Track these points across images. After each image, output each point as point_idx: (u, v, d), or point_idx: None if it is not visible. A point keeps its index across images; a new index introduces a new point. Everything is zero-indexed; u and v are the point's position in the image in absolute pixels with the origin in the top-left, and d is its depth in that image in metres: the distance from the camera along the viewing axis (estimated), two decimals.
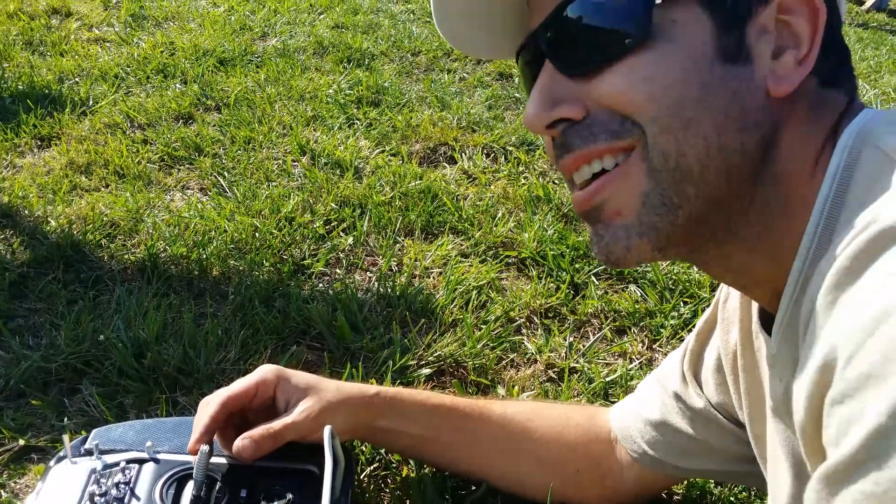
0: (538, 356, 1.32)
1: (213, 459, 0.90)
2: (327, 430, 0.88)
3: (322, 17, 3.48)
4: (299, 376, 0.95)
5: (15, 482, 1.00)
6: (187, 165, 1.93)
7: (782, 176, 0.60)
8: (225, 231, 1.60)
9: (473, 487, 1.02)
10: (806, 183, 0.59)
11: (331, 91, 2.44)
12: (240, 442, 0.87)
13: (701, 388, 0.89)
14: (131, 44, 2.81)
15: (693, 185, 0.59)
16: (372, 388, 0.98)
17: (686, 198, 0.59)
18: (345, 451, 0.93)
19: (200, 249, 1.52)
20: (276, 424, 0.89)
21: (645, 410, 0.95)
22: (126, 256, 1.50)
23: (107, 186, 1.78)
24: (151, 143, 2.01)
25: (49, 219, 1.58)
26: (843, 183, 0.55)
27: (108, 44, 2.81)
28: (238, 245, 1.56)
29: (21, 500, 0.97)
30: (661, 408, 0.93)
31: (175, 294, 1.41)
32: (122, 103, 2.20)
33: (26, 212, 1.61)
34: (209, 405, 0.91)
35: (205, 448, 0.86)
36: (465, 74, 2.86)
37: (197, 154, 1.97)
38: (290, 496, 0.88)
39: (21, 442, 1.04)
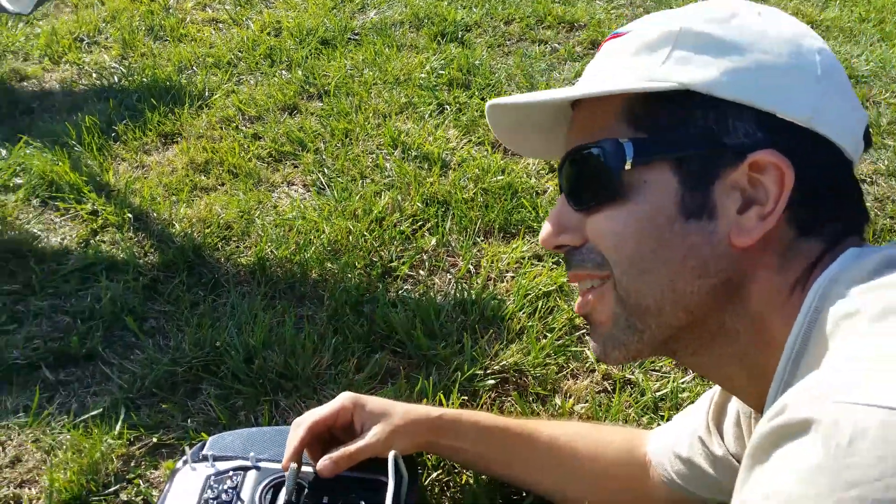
0: (596, 366, 1.46)
1: (304, 468, 1.11)
2: (391, 454, 1.06)
3: None
4: (373, 402, 1.13)
5: (150, 473, 1.24)
6: (292, 161, 2.12)
7: (755, 314, 0.70)
8: (323, 233, 1.78)
9: (524, 494, 1.19)
10: (778, 325, 0.68)
11: (423, 74, 2.56)
12: (322, 462, 1.07)
13: (722, 438, 1.00)
14: (241, 24, 3.01)
15: (652, 318, 0.71)
16: (435, 411, 1.15)
17: (647, 325, 0.72)
18: (411, 463, 1.12)
19: (302, 252, 1.72)
20: (352, 447, 1.08)
21: (676, 445, 1.08)
22: (239, 259, 1.72)
23: (222, 185, 2.00)
24: (261, 139, 2.21)
25: (174, 222, 1.82)
26: (806, 336, 0.64)
27: (220, 25, 3.02)
28: (334, 247, 1.75)
29: (153, 489, 1.21)
30: (688, 447, 1.05)
31: (279, 297, 1.61)
32: (234, 96, 2.40)
33: (155, 214, 1.85)
34: (300, 427, 1.10)
35: (294, 466, 1.07)
36: (556, 45, 2.91)
37: (301, 149, 2.16)
38: (362, 503, 1.07)
39: (154, 439, 1.29)
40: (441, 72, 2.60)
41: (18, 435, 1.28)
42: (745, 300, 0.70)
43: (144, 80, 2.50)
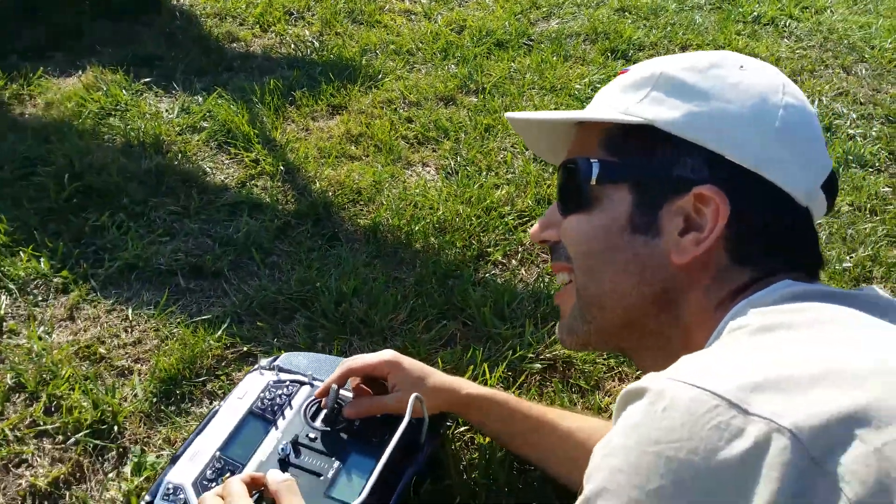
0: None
1: (345, 393, 1.30)
2: (413, 396, 1.22)
3: None
4: (410, 365, 1.29)
5: (234, 373, 1.50)
6: (433, 146, 2.33)
7: (685, 324, 0.81)
8: (437, 211, 1.98)
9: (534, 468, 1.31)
10: (701, 337, 0.79)
11: (579, 86, 2.68)
12: (351, 405, 1.26)
13: None
14: (431, 18, 3.27)
15: (598, 310, 0.84)
16: (465, 388, 1.28)
17: (594, 316, 0.85)
18: (440, 416, 1.28)
19: (412, 225, 1.92)
20: (375, 402, 1.26)
21: None
22: (358, 220, 1.95)
23: (366, 156, 2.25)
24: (412, 122, 2.44)
25: (316, 179, 2.09)
26: (711, 345, 0.75)
27: (413, 16, 3.30)
28: (442, 225, 1.94)
29: (233, 386, 1.46)
30: None
31: (381, 258, 1.83)
32: (402, 81, 2.66)
33: (303, 170, 2.13)
34: (342, 366, 1.30)
35: (335, 387, 1.26)
36: None
37: (443, 136, 2.36)
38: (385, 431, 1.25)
39: (245, 348, 1.54)
40: (598, 85, 2.70)
41: (145, 322, 1.59)
42: (678, 311, 0.81)
43: (332, 56, 2.82)
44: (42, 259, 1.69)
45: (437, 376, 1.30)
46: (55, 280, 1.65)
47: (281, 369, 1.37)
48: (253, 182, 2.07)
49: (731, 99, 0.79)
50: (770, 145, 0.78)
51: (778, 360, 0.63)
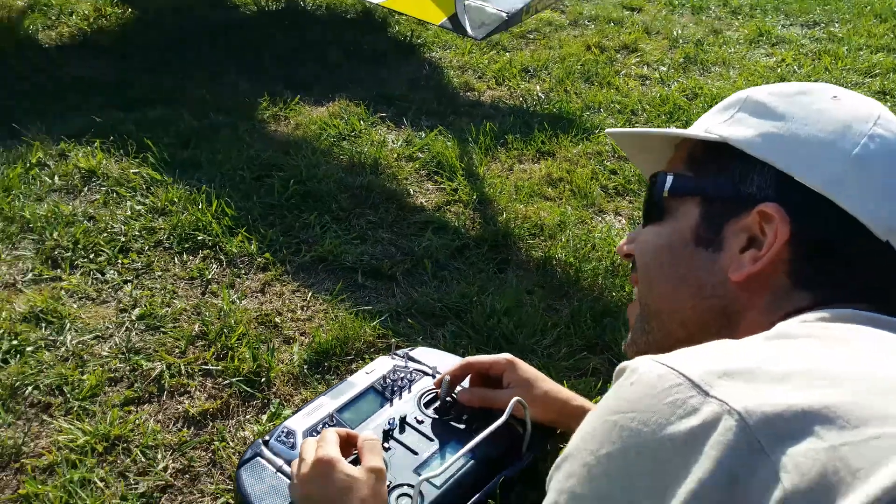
0: None
1: (460, 388, 1.37)
2: (514, 399, 1.26)
3: (870, 79, 3.41)
4: (525, 369, 1.33)
5: (375, 358, 1.62)
6: (631, 198, 2.35)
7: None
8: (609, 255, 1.99)
9: None
10: None
11: None
12: (462, 389, 1.32)
13: None
14: (666, 84, 3.29)
15: (656, 322, 0.85)
16: (577, 400, 1.30)
17: (652, 328, 0.86)
18: (548, 430, 1.30)
19: (585, 263, 1.95)
20: (488, 394, 1.31)
21: None
22: (533, 252, 2.02)
23: (560, 198, 2.32)
24: (616, 174, 2.47)
25: (504, 211, 2.20)
26: None
27: (648, 81, 3.35)
28: (615, 269, 1.94)
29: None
30: None
31: (544, 289, 1.88)
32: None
33: (495, 203, 2.25)
34: (462, 361, 1.37)
35: (447, 378, 1.34)
36: None
37: (643, 189, 2.36)
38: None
39: (393, 341, 1.66)
40: None
41: (319, 305, 1.78)
42: (735, 330, 0.79)
43: (553, 109, 2.95)
44: (253, 241, 1.97)
45: (552, 383, 1.33)
46: (258, 260, 1.91)
47: (411, 358, 1.48)
48: (447, 207, 2.23)
49: (810, 122, 0.79)
50: (843, 171, 0.75)
51: (762, 356, 0.62)
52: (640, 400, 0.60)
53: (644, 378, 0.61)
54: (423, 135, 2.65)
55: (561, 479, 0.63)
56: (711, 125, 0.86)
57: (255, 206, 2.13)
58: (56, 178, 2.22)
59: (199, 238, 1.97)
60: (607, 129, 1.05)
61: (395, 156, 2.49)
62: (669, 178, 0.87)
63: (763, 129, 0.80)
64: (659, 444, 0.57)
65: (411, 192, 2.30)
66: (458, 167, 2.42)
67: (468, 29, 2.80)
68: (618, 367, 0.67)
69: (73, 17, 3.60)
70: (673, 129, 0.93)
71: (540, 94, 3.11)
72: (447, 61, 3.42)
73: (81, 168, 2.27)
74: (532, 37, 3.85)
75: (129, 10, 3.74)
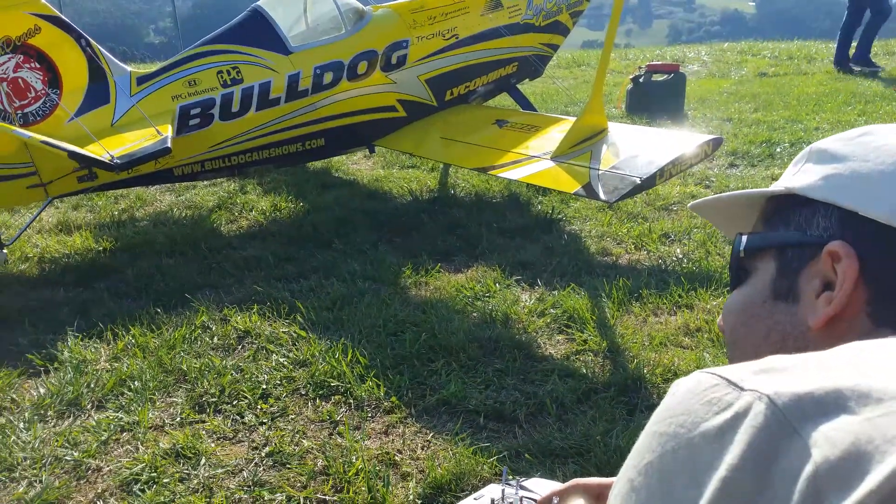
0: None
1: None
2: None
3: None
4: None
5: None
6: None
7: None
8: None
9: None
10: None
11: None
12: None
13: None
14: None
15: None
16: None
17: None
18: None
19: None
20: None
21: None
22: None
23: (697, 347, 2.23)
24: None
25: (635, 359, 2.14)
26: None
27: None
28: None
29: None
30: None
31: None
32: None
33: (626, 351, 2.20)
34: (571, 481, 1.30)
35: (555, 500, 1.28)
36: None
37: None
38: None
39: (510, 477, 1.61)
40: None
41: (439, 445, 1.77)
42: None
43: (692, 267, 2.90)
44: (382, 387, 2.03)
45: None
46: (385, 403, 1.96)
47: (522, 487, 1.42)
48: (576, 356, 2.21)
49: (870, 158, 0.77)
50: None
51: (807, 356, 0.59)
52: (679, 405, 0.58)
53: (684, 386, 0.59)
54: (556, 293, 2.68)
55: (609, 501, 0.60)
56: (783, 179, 0.85)
57: (388, 356, 2.21)
58: (216, 338, 2.43)
59: (332, 384, 2.06)
60: (690, 204, 1.04)
61: (527, 311, 2.53)
62: (744, 239, 0.85)
63: (824, 173, 0.79)
64: (694, 440, 0.55)
65: (540, 342, 2.30)
66: (590, 319, 2.41)
67: (601, 194, 2.89)
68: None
69: (253, 211, 4.08)
70: (745, 191, 0.92)
71: (679, 255, 3.08)
72: (586, 231, 3.50)
73: (238, 328, 2.48)
74: (675, 208, 3.88)
75: (301, 203, 4.19)
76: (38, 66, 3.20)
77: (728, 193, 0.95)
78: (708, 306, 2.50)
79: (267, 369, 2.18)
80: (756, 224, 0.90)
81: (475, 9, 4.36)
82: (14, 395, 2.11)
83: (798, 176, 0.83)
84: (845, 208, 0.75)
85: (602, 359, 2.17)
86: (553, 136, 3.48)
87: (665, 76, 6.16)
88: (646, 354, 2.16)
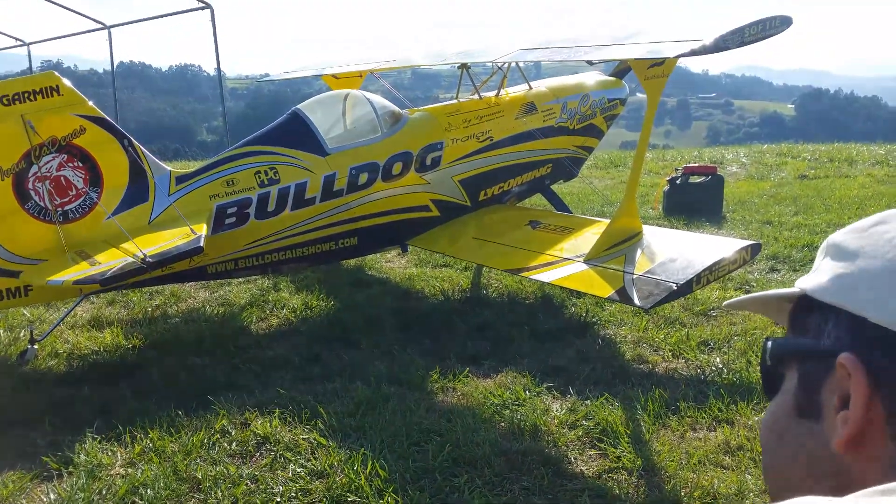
0: None
1: None
2: None
3: None
4: None
5: None
6: None
7: None
8: None
9: None
10: None
11: None
12: None
13: None
14: None
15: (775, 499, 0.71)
16: None
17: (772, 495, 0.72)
18: None
19: None
20: None
21: None
22: None
23: (737, 468, 2.09)
24: None
25: (672, 479, 2.00)
26: None
27: None
28: None
29: None
30: None
31: None
32: None
33: (663, 471, 2.06)
34: None
35: None
36: None
37: None
38: None
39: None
40: None
41: None
42: None
43: (733, 378, 2.77)
44: (400, 503, 1.92)
45: None
46: None
47: None
48: (608, 474, 2.08)
49: (880, 255, 0.68)
50: None
51: None
52: None
53: None
54: (589, 402, 2.57)
55: None
56: (800, 279, 0.77)
57: (409, 468, 2.11)
58: (234, 444, 2.36)
59: (349, 499, 1.96)
60: (725, 303, 0.96)
61: (558, 422, 2.42)
62: (769, 344, 0.76)
63: (835, 272, 0.70)
64: None
65: (571, 458, 2.18)
66: (624, 433, 2.29)
67: (635, 299, 2.81)
68: None
69: (284, 309, 4.06)
70: (763, 293, 0.82)
71: (719, 365, 2.95)
72: (621, 336, 3.40)
73: (258, 434, 2.40)
74: (714, 313, 3.76)
75: (332, 301, 4.17)
76: (80, 165, 3.29)
77: (752, 296, 0.85)
78: (749, 422, 2.36)
79: (283, 480, 2.09)
80: (788, 326, 0.81)
81: (510, 112, 4.41)
82: (24, 502, 2.04)
83: (813, 275, 0.74)
84: (853, 313, 0.67)
85: (636, 478, 2.04)
86: (587, 238, 3.43)
87: (703, 178, 6.13)
88: (683, 474, 2.02)
